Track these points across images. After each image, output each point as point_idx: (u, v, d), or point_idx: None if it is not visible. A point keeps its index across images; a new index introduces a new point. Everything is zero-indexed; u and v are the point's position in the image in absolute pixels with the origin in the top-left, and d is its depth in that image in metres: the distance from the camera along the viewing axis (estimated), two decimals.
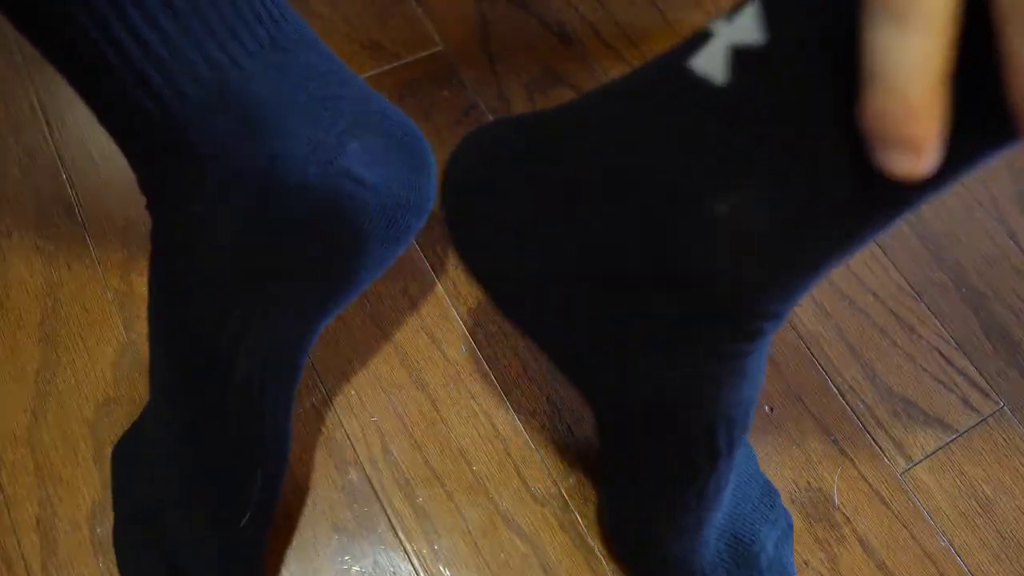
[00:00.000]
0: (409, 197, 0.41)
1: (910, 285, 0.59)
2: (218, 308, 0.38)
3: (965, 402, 0.55)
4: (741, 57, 0.27)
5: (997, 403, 0.55)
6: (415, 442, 0.51)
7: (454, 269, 0.57)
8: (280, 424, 0.42)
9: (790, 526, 0.49)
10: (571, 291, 0.35)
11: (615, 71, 0.66)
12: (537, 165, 0.35)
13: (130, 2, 0.30)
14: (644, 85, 0.31)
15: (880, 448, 0.53)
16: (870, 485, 0.52)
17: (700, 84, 0.28)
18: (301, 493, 0.49)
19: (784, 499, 0.51)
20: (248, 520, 0.42)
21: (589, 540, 0.49)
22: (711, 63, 0.27)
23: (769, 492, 0.48)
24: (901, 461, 0.53)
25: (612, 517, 0.46)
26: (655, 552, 0.44)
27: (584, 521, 0.50)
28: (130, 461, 0.46)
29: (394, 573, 0.48)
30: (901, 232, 0.61)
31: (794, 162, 0.27)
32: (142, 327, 0.53)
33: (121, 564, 0.45)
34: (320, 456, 0.50)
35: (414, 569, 0.48)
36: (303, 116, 0.36)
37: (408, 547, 0.48)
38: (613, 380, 0.36)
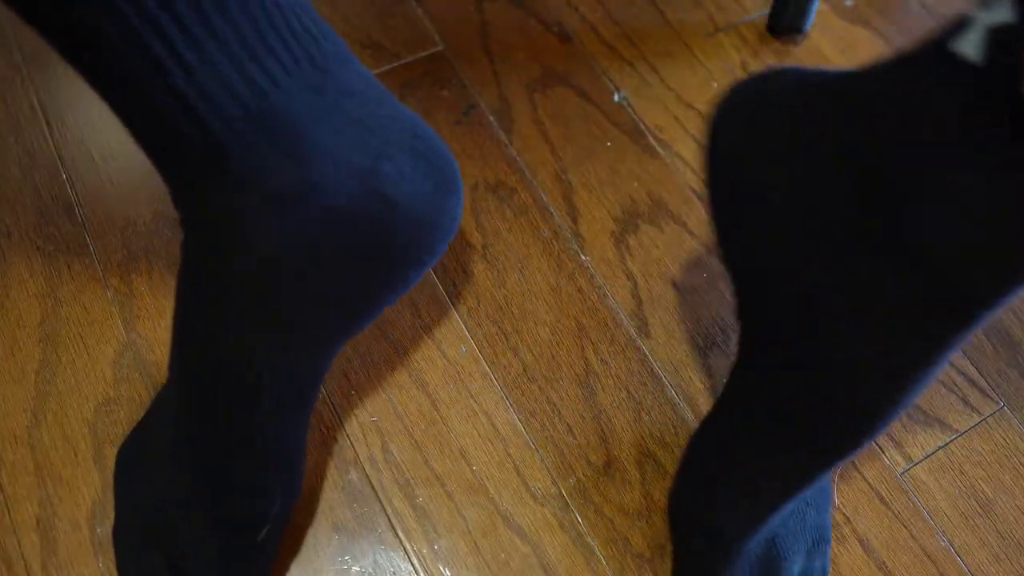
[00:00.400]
0: (437, 219, 0.41)
1: None
2: (249, 331, 0.39)
3: (965, 402, 0.55)
4: (996, 36, 0.29)
5: (997, 403, 0.55)
6: (415, 442, 0.51)
7: (454, 269, 0.57)
8: (303, 444, 0.43)
9: (825, 540, 0.49)
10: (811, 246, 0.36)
11: (615, 71, 0.66)
12: (809, 130, 0.37)
13: (171, 23, 0.30)
14: (905, 65, 0.33)
15: (880, 448, 0.53)
16: (870, 485, 0.52)
17: (959, 63, 0.30)
18: (301, 493, 0.49)
19: None
20: (265, 534, 0.43)
21: (589, 540, 0.49)
22: (970, 44, 0.30)
23: (805, 504, 0.49)
24: (901, 461, 0.53)
25: (693, 461, 0.46)
26: (706, 514, 0.44)
27: (584, 521, 0.50)
28: (133, 464, 0.46)
29: (394, 573, 0.48)
30: None
31: None
32: (142, 327, 0.53)
33: (120, 564, 0.45)
34: (320, 456, 0.50)
35: (414, 569, 0.48)
36: (340, 138, 0.36)
37: (408, 547, 0.48)
38: (807, 334, 0.38)
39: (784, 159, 0.37)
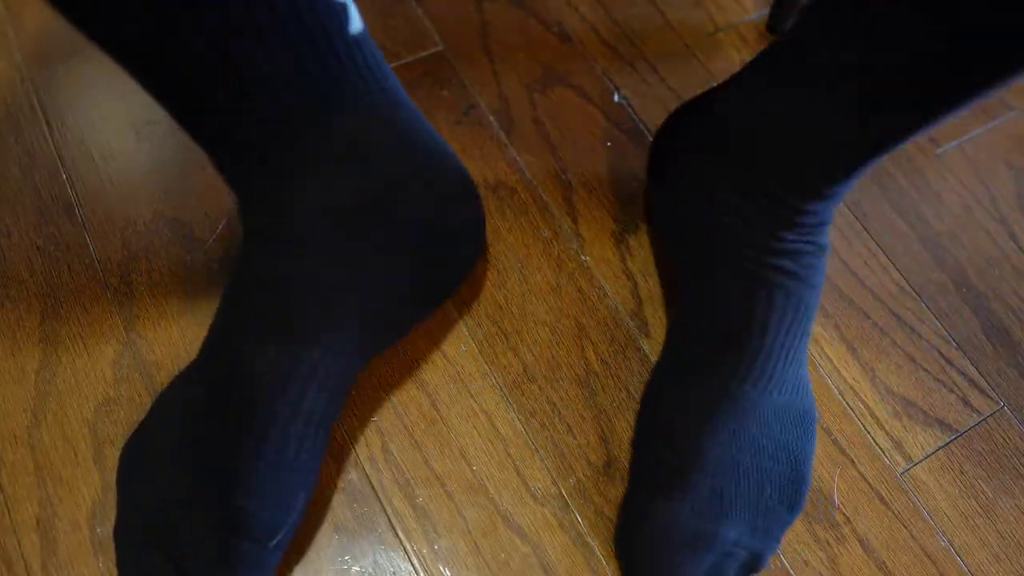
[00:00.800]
0: (475, 240, 0.50)
1: (910, 285, 0.59)
2: (297, 341, 0.42)
3: (965, 402, 0.55)
4: None
5: (997, 403, 0.55)
6: (415, 442, 0.51)
7: None
8: (323, 455, 0.45)
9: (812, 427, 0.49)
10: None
11: (615, 71, 0.66)
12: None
13: (254, 36, 0.33)
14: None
15: (880, 448, 0.53)
16: (870, 485, 0.52)
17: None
18: None
19: None
20: (279, 539, 0.44)
21: (589, 540, 0.49)
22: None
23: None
24: (901, 461, 0.53)
25: (651, 389, 0.50)
26: (665, 434, 0.47)
27: (584, 521, 0.50)
28: (136, 464, 0.47)
29: (394, 573, 0.48)
30: (901, 232, 0.61)
31: None
32: (142, 327, 0.53)
33: (121, 563, 0.45)
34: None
35: (414, 569, 0.48)
36: (405, 162, 0.42)
37: (408, 547, 0.48)
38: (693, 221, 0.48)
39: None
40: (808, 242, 0.46)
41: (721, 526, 0.45)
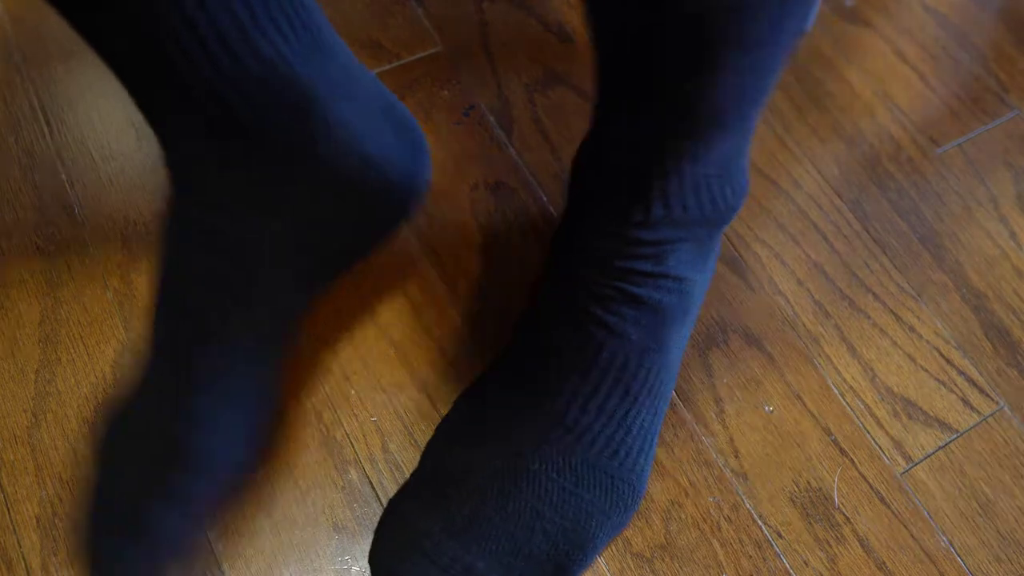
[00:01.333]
0: (414, 183, 0.44)
1: (910, 285, 0.59)
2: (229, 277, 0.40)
3: (965, 402, 0.55)
4: None
5: (997, 403, 0.55)
6: (415, 442, 0.51)
7: (454, 269, 0.57)
8: (270, 390, 0.45)
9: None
10: None
11: None
12: None
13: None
14: None
15: (880, 448, 0.53)
16: (870, 485, 0.52)
17: None
18: (301, 493, 0.49)
19: (784, 499, 0.51)
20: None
21: None
22: None
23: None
24: (901, 461, 0.53)
25: (473, 390, 0.48)
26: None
27: None
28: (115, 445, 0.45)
29: None
30: (901, 232, 0.61)
31: None
32: (142, 327, 0.53)
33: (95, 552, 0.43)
34: (320, 456, 0.50)
35: None
36: (341, 107, 0.38)
37: None
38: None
39: None
40: (646, 290, 0.42)
41: (468, 552, 0.42)
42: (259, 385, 0.43)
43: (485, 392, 0.48)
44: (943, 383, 0.55)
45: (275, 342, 0.44)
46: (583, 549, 0.43)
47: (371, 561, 0.45)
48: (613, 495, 0.44)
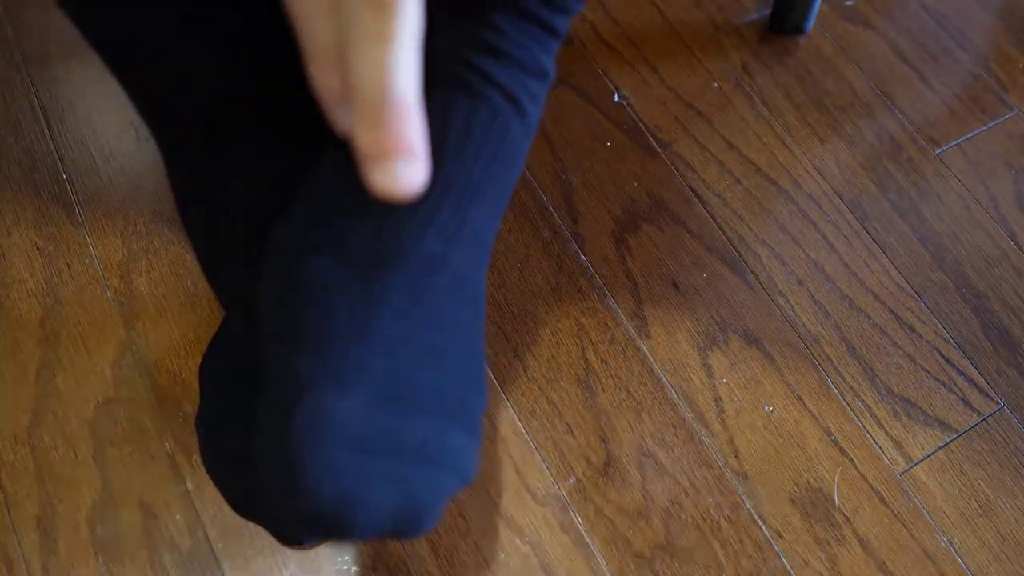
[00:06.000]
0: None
1: (910, 285, 0.59)
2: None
3: (965, 402, 0.55)
4: None
5: (997, 403, 0.55)
6: None
7: None
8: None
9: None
10: None
11: (615, 71, 0.66)
12: None
13: None
14: None
15: (880, 448, 0.53)
16: (870, 485, 0.52)
17: None
18: None
19: (784, 499, 0.51)
20: None
21: (589, 540, 0.49)
22: None
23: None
24: (901, 461, 0.53)
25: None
26: None
27: (584, 521, 0.50)
28: (219, 360, 0.40)
29: (395, 573, 0.48)
30: (901, 232, 0.61)
31: None
32: (142, 327, 0.53)
33: (205, 449, 0.38)
34: None
35: (414, 569, 0.48)
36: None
37: (408, 547, 0.48)
38: None
39: None
40: (525, 47, 0.33)
41: (407, 420, 0.31)
42: None
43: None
44: (943, 383, 0.55)
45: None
46: (479, 361, 0.36)
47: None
48: (476, 298, 0.37)
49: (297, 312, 0.31)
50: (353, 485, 0.28)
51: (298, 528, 0.29)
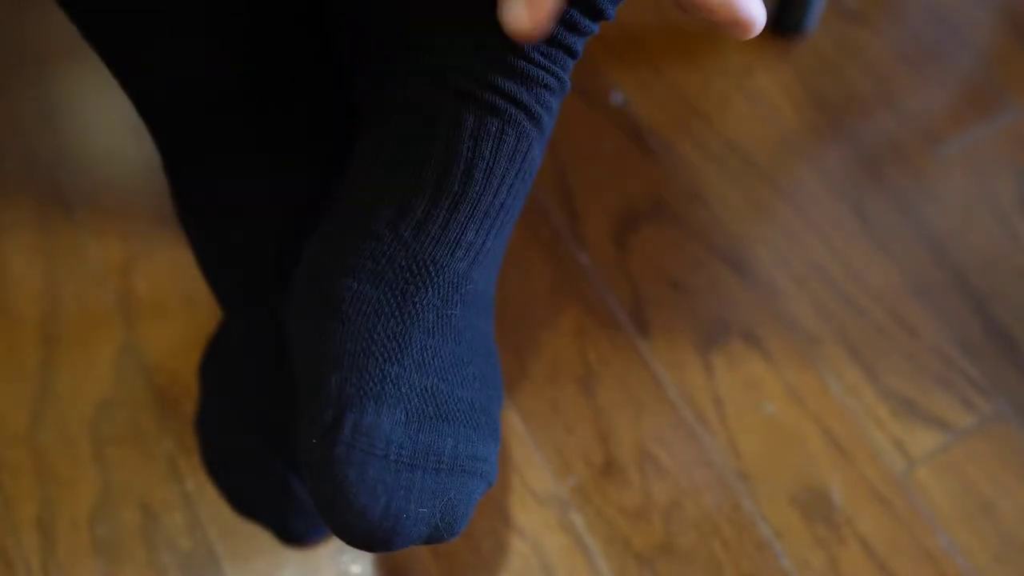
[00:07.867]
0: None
1: (910, 285, 0.59)
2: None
3: (965, 402, 0.55)
4: None
5: (997, 403, 0.55)
6: None
7: None
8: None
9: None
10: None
11: (615, 71, 0.66)
12: None
13: None
14: None
15: (880, 448, 0.53)
16: (871, 485, 0.52)
17: None
18: None
19: (784, 499, 0.51)
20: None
21: (589, 540, 0.49)
22: None
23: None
24: (901, 461, 0.53)
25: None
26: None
27: (584, 521, 0.50)
28: (220, 358, 0.45)
29: (395, 573, 0.48)
30: (901, 232, 0.61)
31: None
32: (142, 327, 0.53)
33: (206, 449, 0.44)
34: None
35: (414, 569, 0.48)
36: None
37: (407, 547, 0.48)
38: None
39: None
40: (550, 69, 0.34)
41: (441, 434, 0.33)
42: None
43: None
44: (943, 383, 0.55)
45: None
46: (495, 358, 0.39)
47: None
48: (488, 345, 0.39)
49: (335, 333, 0.32)
50: (399, 502, 0.31)
51: (343, 539, 0.31)
